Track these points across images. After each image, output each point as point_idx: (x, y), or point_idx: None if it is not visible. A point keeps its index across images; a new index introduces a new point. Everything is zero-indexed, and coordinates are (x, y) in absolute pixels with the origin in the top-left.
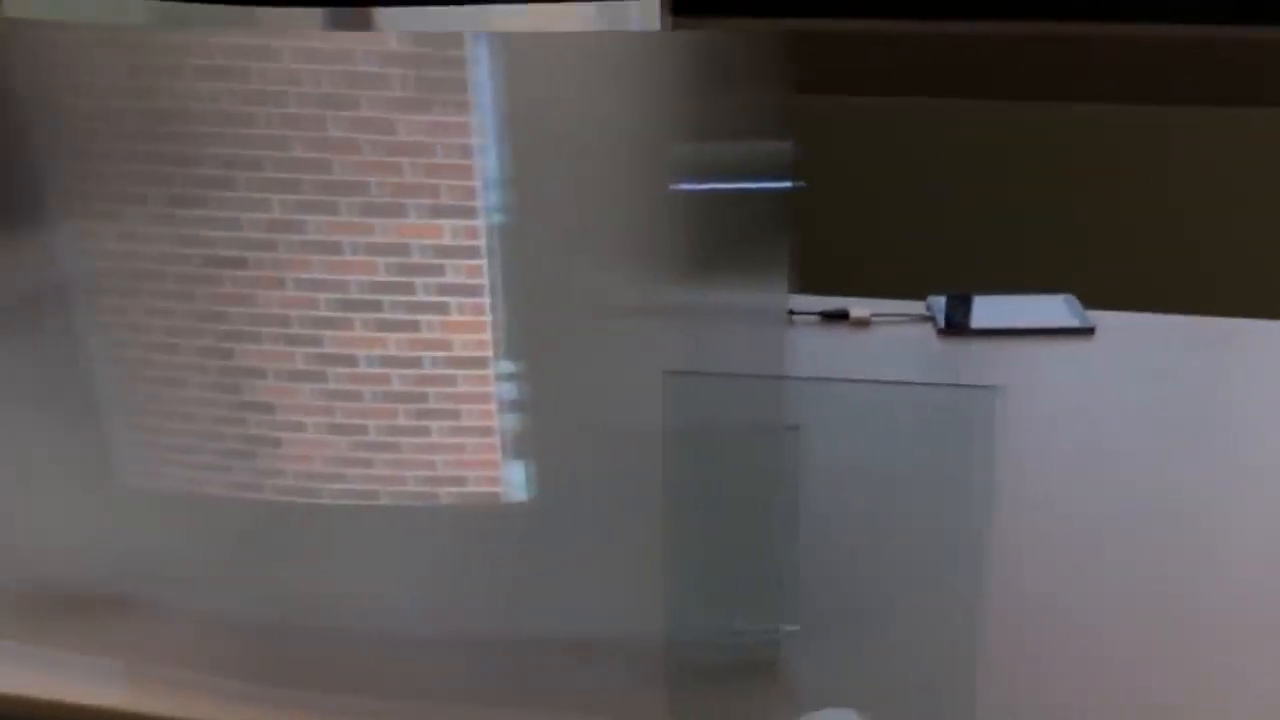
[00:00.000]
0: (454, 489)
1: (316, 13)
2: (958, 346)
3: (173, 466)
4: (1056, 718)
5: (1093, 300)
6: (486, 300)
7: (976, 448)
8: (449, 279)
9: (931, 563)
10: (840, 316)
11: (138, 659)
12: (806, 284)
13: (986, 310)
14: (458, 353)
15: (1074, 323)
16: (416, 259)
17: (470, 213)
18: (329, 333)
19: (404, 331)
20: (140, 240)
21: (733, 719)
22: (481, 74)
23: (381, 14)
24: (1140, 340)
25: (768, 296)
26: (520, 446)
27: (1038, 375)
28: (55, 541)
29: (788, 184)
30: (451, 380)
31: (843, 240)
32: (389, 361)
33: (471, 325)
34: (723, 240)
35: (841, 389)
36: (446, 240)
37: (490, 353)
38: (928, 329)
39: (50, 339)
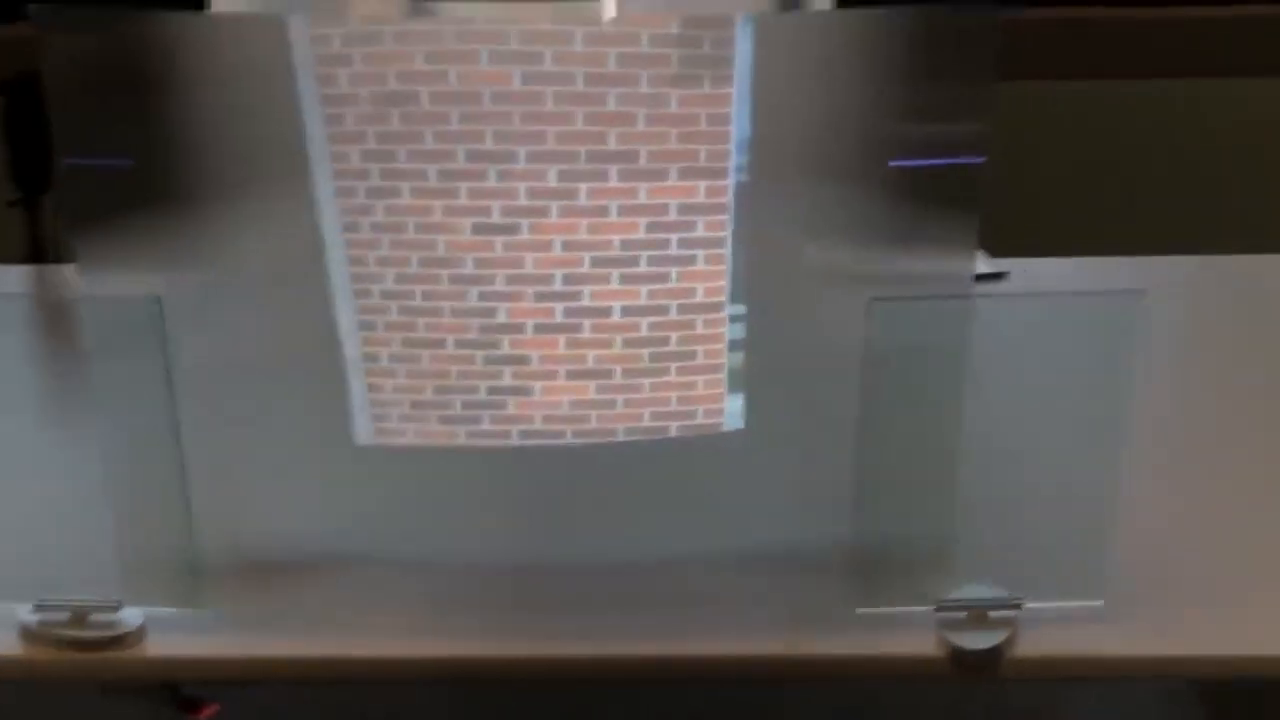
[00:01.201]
0: (684, 422)
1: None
2: None
3: (420, 422)
4: (1172, 586)
5: None
6: (728, 251)
7: (1119, 348)
8: (699, 233)
9: (1073, 457)
10: None
11: (379, 609)
12: None
13: None
14: (700, 299)
15: (987, 269)
16: (674, 217)
17: (722, 173)
18: (588, 287)
19: (656, 283)
20: (411, 213)
21: (905, 593)
22: (743, 52)
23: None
24: (1056, 281)
25: (955, 264)
26: (741, 381)
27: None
28: (297, 501)
29: (981, 159)
30: (692, 325)
31: None
32: (640, 310)
33: (713, 274)
34: (919, 212)
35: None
36: (700, 198)
37: (725, 298)
38: None
39: (310, 305)
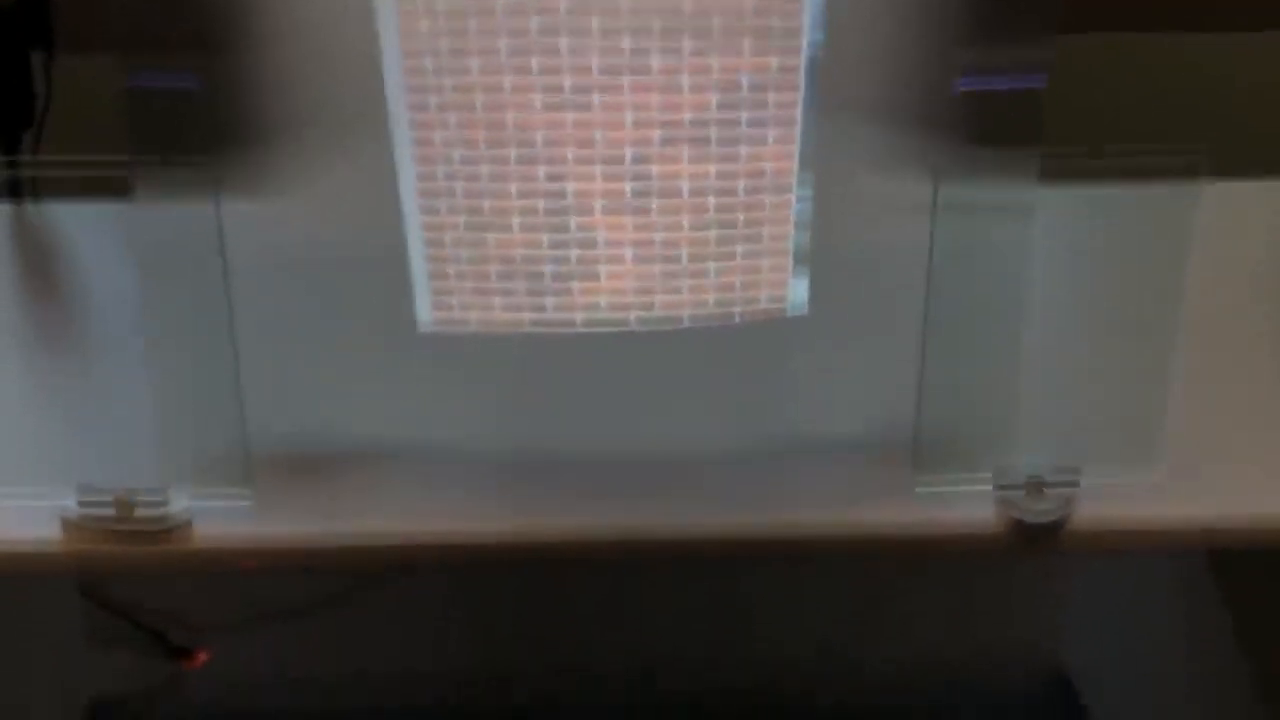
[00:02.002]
0: (748, 306)
1: None
2: None
3: (483, 309)
4: (1229, 457)
5: None
6: (798, 128)
7: (1178, 234)
8: (770, 110)
9: (1131, 336)
10: None
11: (434, 496)
12: None
13: None
14: (768, 178)
15: None
16: (745, 92)
17: (795, 46)
18: (658, 166)
19: (725, 161)
20: (480, 87)
21: (964, 470)
22: None
23: None
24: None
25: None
26: (807, 264)
27: None
28: (354, 387)
29: (1042, 82)
30: (760, 205)
31: None
32: (708, 189)
33: (782, 153)
34: (980, 135)
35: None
36: (772, 72)
37: (794, 177)
38: None
39: (372, 185)
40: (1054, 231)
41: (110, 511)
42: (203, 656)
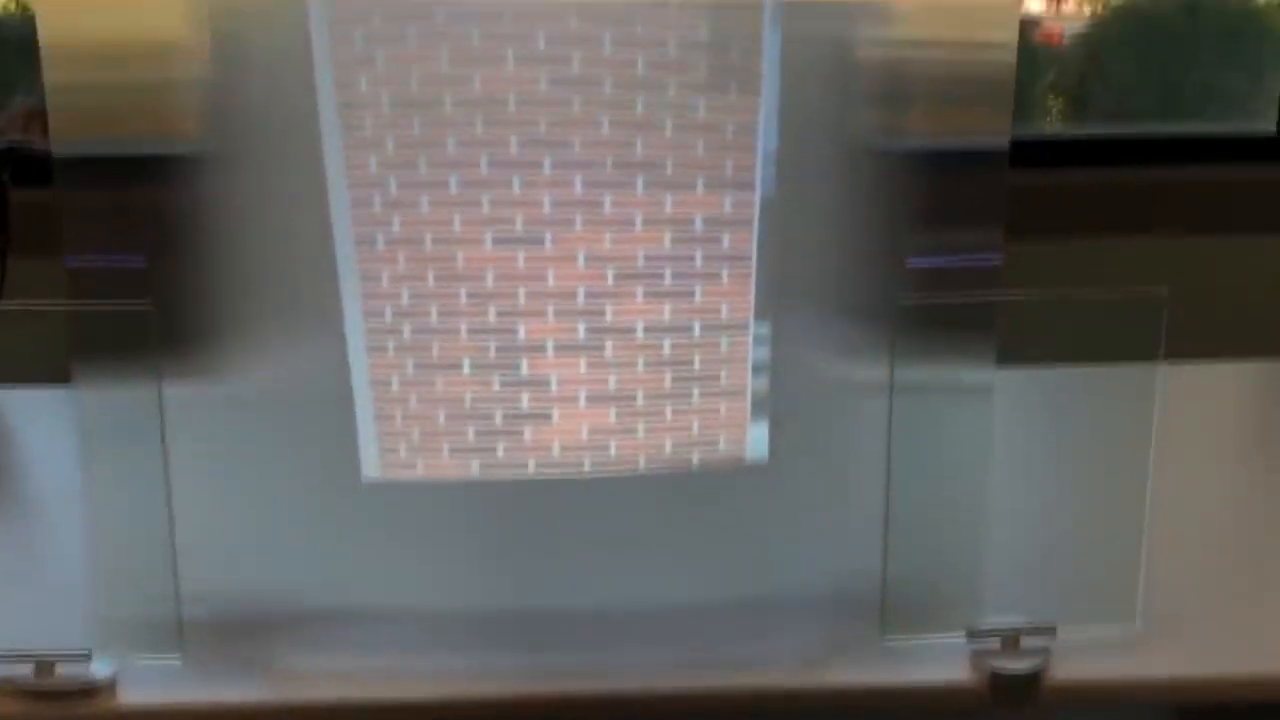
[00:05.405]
0: (706, 450)
1: None
2: None
3: (431, 454)
4: (1208, 611)
5: None
6: (753, 267)
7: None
8: (725, 248)
9: (1103, 491)
10: None
11: (376, 655)
12: None
13: None
14: (724, 318)
15: None
16: (700, 230)
17: (749, 185)
18: (611, 303)
19: (680, 299)
20: (429, 224)
21: (934, 623)
22: (772, 54)
23: None
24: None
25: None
26: (766, 408)
27: None
28: (293, 541)
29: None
30: (716, 345)
31: None
32: (663, 329)
33: (738, 291)
34: (941, 215)
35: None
36: (726, 211)
37: (750, 316)
38: None
39: (317, 325)
40: (1018, 403)
41: (29, 670)
42: None
